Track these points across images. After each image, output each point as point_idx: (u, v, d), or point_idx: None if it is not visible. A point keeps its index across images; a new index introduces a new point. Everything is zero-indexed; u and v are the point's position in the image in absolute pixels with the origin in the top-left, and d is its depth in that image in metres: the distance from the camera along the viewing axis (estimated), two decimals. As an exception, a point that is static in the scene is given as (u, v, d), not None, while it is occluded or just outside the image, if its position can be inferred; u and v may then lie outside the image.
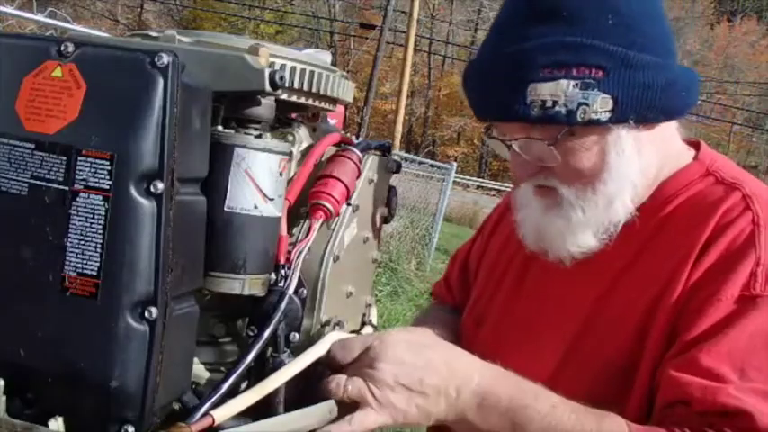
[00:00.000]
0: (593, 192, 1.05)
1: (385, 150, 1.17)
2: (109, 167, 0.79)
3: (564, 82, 0.97)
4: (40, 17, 3.99)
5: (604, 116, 0.99)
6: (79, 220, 0.80)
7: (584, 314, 1.09)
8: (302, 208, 1.04)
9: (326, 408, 0.96)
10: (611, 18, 0.98)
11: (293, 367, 0.96)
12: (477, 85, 1.08)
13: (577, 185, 1.05)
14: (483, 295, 1.29)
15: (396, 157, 1.22)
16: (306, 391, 0.98)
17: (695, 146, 1.15)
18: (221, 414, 0.88)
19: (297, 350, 1.00)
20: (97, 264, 0.79)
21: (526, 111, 0.99)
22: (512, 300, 1.22)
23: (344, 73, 1.10)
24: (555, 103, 0.98)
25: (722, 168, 1.10)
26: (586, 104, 0.97)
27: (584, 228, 1.06)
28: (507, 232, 1.28)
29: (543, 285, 1.17)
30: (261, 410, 0.93)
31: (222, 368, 1.02)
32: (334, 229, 1.05)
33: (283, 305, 0.98)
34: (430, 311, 1.45)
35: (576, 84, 0.97)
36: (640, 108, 1.00)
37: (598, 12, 0.99)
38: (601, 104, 0.98)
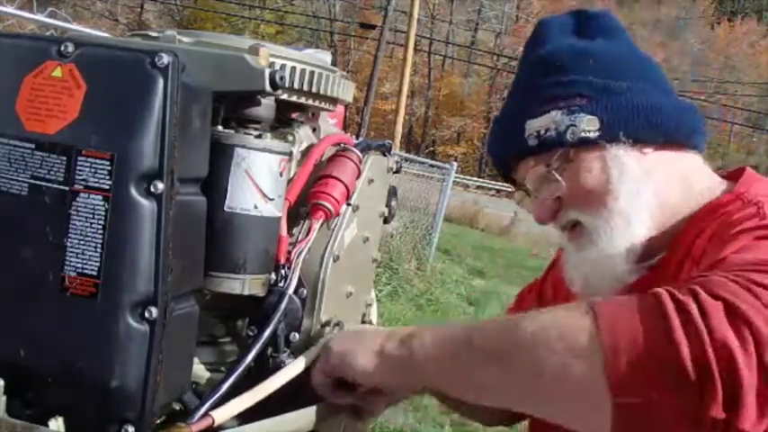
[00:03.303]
0: (607, 210, 1.09)
1: (385, 150, 1.17)
2: (109, 167, 0.79)
3: (554, 113, 1.10)
4: (40, 17, 3.99)
5: (594, 134, 1.08)
6: (79, 220, 0.80)
7: None
8: (302, 208, 1.04)
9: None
10: (591, 60, 1.12)
11: (293, 369, 0.96)
12: (491, 143, 1.22)
13: (592, 209, 1.10)
14: None
15: (396, 157, 1.22)
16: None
17: (737, 176, 1.14)
18: (221, 415, 0.88)
19: (297, 350, 1.00)
20: (97, 264, 0.79)
21: (524, 144, 1.13)
22: None
23: (344, 73, 1.10)
24: (547, 130, 1.10)
25: (752, 191, 1.06)
26: (574, 125, 1.09)
27: (614, 252, 1.08)
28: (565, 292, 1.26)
29: None
30: (258, 410, 0.93)
31: (222, 368, 1.02)
32: (334, 229, 1.05)
33: (283, 305, 0.98)
34: None
35: (564, 111, 1.10)
36: (628, 125, 1.08)
37: (582, 57, 1.13)
38: (588, 124, 1.08)
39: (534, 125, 1.11)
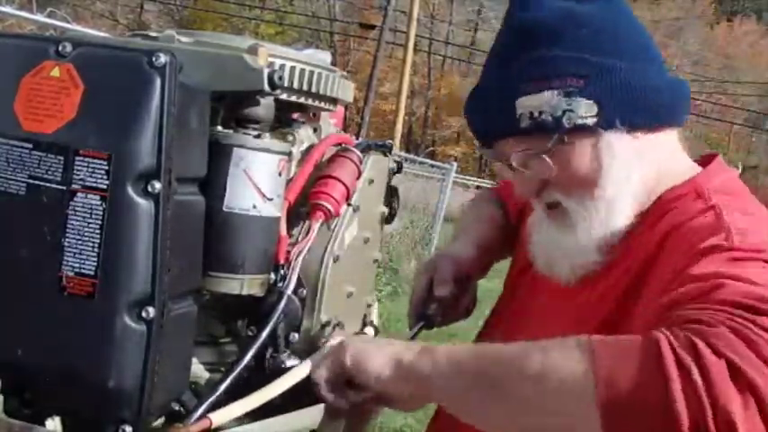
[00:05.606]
0: (591, 198, 1.05)
1: (385, 150, 1.17)
2: (106, 167, 0.79)
3: (548, 93, 1.03)
4: (39, 17, 3.99)
5: (591, 120, 1.03)
6: (77, 220, 0.80)
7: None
8: (302, 208, 1.04)
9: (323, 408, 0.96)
10: (585, 30, 1.05)
11: (297, 374, 0.95)
12: (472, 112, 1.14)
13: (577, 196, 1.07)
14: (504, 293, 1.35)
15: (396, 157, 1.22)
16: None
17: (708, 161, 1.13)
18: (219, 417, 0.87)
19: (297, 352, 1.00)
20: (95, 263, 0.79)
21: (516, 124, 1.05)
22: (517, 315, 1.25)
23: (344, 73, 1.10)
24: (541, 113, 1.03)
25: (713, 188, 1.05)
26: (571, 110, 1.03)
27: (589, 243, 1.06)
28: None
29: (547, 308, 1.16)
30: (257, 410, 0.92)
31: (222, 368, 1.02)
32: (334, 230, 1.05)
33: (282, 305, 0.98)
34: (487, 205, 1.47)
35: (560, 93, 1.03)
36: (625, 111, 1.04)
37: (573, 26, 1.05)
38: (585, 109, 1.03)
39: (526, 104, 1.04)
